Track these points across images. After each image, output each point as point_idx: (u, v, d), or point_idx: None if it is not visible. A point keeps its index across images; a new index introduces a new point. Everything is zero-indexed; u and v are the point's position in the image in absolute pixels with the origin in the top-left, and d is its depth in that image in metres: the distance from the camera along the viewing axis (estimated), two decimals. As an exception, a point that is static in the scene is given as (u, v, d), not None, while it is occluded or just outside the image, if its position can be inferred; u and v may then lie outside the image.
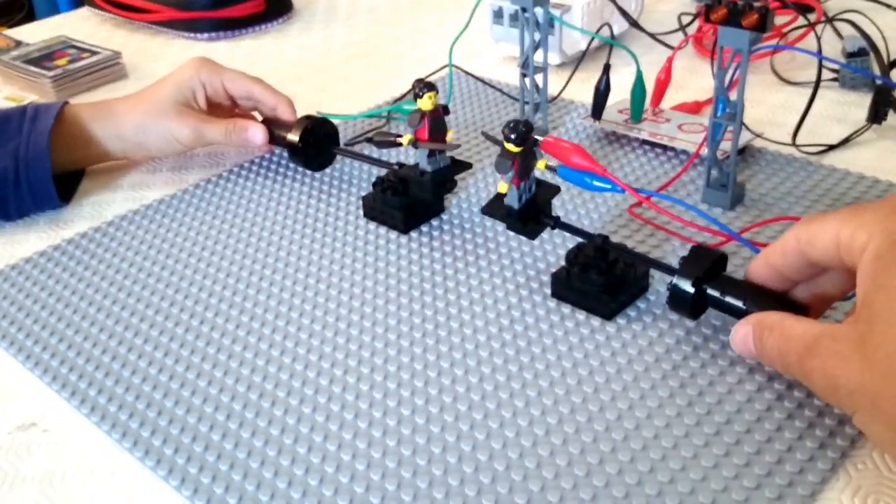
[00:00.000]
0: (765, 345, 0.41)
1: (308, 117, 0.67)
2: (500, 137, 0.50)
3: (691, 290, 0.46)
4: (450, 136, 0.56)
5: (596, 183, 0.50)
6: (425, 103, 0.55)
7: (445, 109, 0.57)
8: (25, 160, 0.64)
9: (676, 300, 0.47)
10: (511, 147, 0.50)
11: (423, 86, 0.55)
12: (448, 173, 0.59)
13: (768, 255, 0.44)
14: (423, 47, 0.96)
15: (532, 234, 0.54)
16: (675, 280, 0.46)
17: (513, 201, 0.52)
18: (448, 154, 0.59)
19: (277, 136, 0.69)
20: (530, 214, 0.53)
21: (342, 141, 0.70)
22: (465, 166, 0.59)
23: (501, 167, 0.51)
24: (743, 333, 0.42)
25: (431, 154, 0.57)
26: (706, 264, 0.46)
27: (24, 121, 0.67)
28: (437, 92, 0.55)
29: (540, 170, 0.52)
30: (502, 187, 0.52)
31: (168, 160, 0.73)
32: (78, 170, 0.71)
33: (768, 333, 0.41)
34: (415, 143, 0.57)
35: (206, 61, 0.70)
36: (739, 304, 0.45)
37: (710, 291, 0.46)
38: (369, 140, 0.63)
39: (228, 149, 0.74)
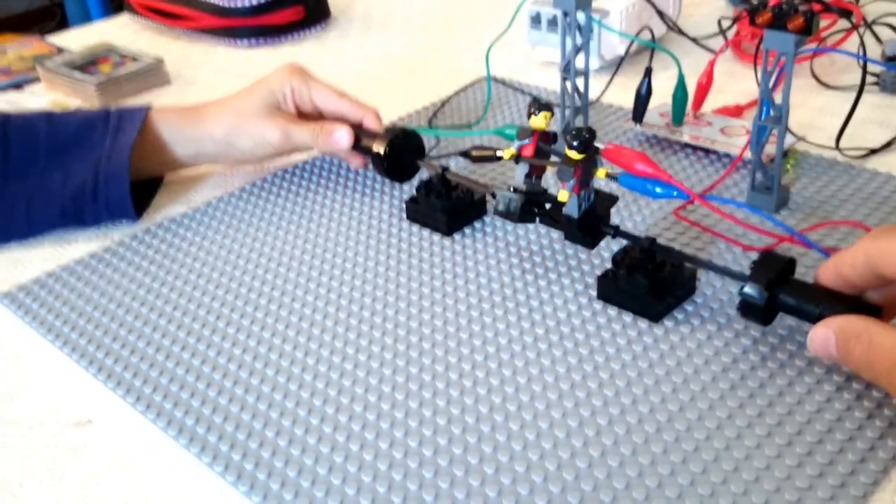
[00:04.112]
0: (851, 353, 0.41)
1: (395, 129, 0.66)
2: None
3: (764, 296, 0.45)
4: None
5: (658, 190, 0.50)
6: (539, 121, 0.54)
7: (554, 137, 0.56)
8: (105, 176, 0.64)
9: (748, 307, 0.46)
10: (573, 154, 0.50)
11: (540, 105, 0.54)
12: (541, 198, 0.56)
13: (837, 264, 0.44)
14: (459, 54, 0.96)
15: (591, 244, 0.54)
16: (747, 287, 0.46)
17: (572, 210, 0.52)
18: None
19: (364, 146, 0.67)
20: (590, 223, 0.53)
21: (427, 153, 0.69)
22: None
23: (564, 175, 0.50)
24: (824, 337, 0.43)
25: (529, 174, 0.56)
26: (777, 270, 0.46)
27: (108, 131, 0.66)
28: (553, 114, 0.54)
29: (600, 178, 0.52)
30: (563, 195, 0.52)
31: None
32: (155, 178, 0.71)
33: (855, 342, 0.41)
34: (517, 158, 0.55)
35: (297, 68, 0.70)
36: (814, 308, 0.45)
37: (784, 297, 0.46)
38: (464, 154, 0.61)
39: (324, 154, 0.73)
